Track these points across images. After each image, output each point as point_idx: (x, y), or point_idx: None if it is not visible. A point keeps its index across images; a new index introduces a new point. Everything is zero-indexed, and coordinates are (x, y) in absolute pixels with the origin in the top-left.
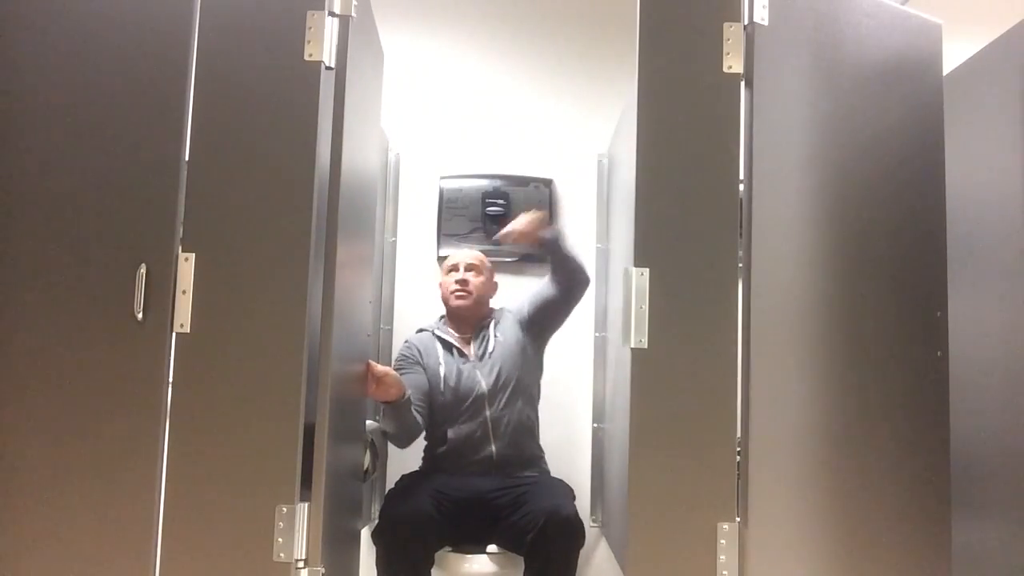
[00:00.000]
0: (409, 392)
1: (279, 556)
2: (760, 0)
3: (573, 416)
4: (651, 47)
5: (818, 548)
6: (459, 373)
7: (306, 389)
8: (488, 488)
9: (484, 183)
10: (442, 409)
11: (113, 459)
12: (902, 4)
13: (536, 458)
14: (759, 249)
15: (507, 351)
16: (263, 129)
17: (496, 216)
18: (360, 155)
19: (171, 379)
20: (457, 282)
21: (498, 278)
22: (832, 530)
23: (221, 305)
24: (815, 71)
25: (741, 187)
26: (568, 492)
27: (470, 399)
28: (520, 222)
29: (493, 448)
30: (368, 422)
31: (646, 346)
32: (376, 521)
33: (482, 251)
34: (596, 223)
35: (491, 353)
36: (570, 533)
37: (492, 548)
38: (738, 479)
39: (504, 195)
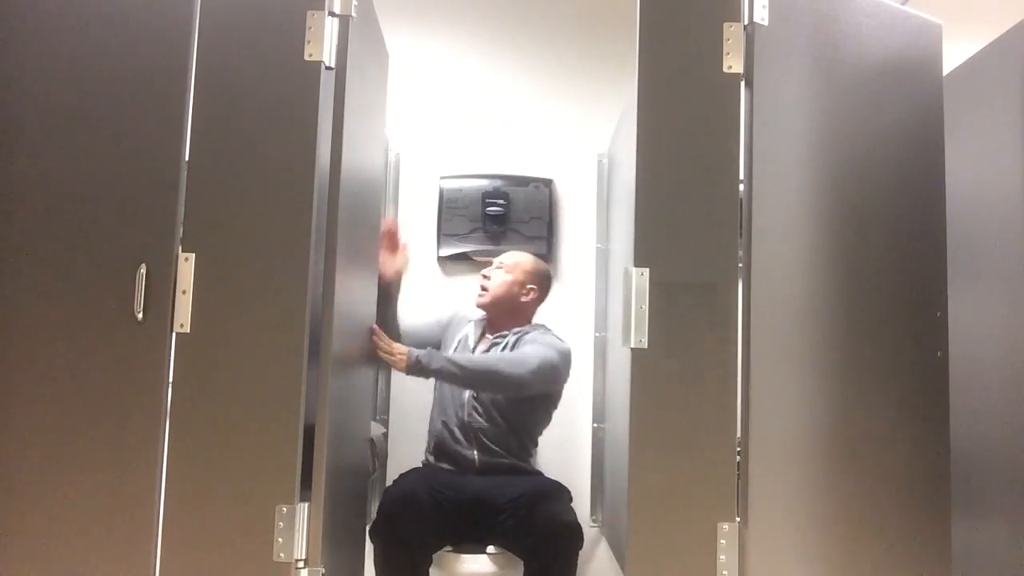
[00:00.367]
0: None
1: (279, 556)
2: (760, 0)
3: (573, 416)
4: (651, 47)
5: (818, 548)
6: (464, 348)
7: (306, 389)
8: (485, 489)
9: (484, 183)
10: (442, 397)
11: (113, 459)
12: (902, 4)
13: (520, 467)
14: (759, 249)
15: None
16: (263, 129)
17: (496, 216)
18: (363, 155)
19: (171, 379)
20: (483, 276)
21: None
22: (832, 530)
23: (221, 305)
24: (815, 71)
25: (741, 187)
26: (566, 495)
27: (456, 402)
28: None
29: (475, 455)
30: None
31: (646, 346)
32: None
33: (481, 251)
34: (596, 223)
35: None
36: (569, 538)
37: (492, 548)
38: (738, 479)
39: (504, 195)
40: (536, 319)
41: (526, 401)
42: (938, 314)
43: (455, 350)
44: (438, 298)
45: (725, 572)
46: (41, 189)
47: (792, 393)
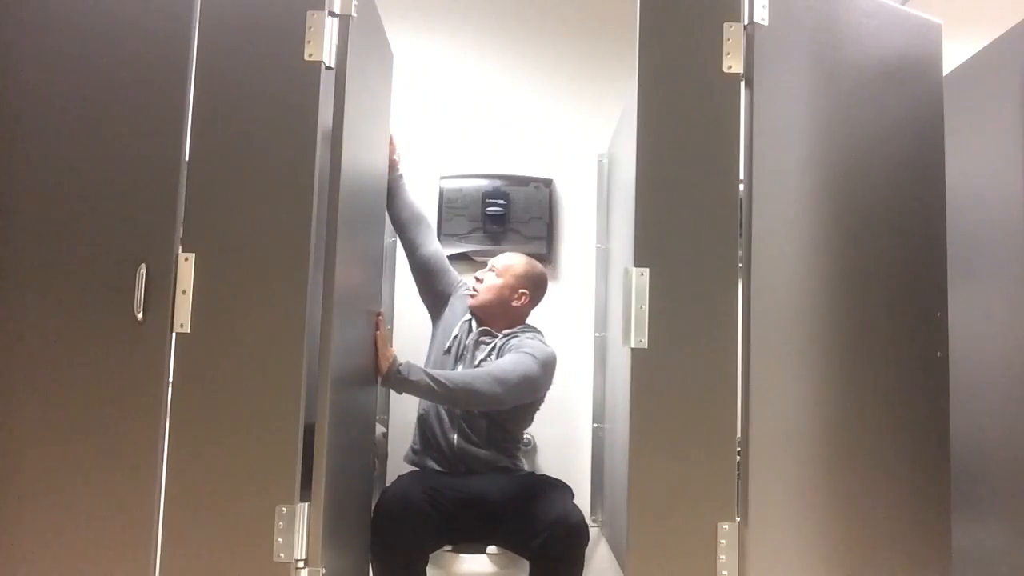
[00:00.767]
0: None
1: (279, 556)
2: (760, 0)
3: (573, 416)
4: (651, 47)
5: (818, 548)
6: (457, 350)
7: (306, 389)
8: (484, 487)
9: (484, 183)
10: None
11: (113, 459)
12: (902, 4)
13: (502, 462)
14: (759, 249)
15: None
16: (263, 129)
17: (496, 216)
18: (365, 154)
19: (171, 379)
20: (476, 278)
21: None
22: (832, 530)
23: (221, 305)
24: (815, 71)
25: (741, 187)
26: (569, 493)
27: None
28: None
29: (454, 437)
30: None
31: (646, 346)
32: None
33: (481, 251)
34: (596, 223)
35: (475, 362)
36: (577, 537)
37: (492, 548)
38: (738, 479)
39: (504, 195)
40: (535, 319)
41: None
42: (938, 314)
43: (456, 334)
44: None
45: (725, 572)
46: (41, 189)
47: (792, 393)
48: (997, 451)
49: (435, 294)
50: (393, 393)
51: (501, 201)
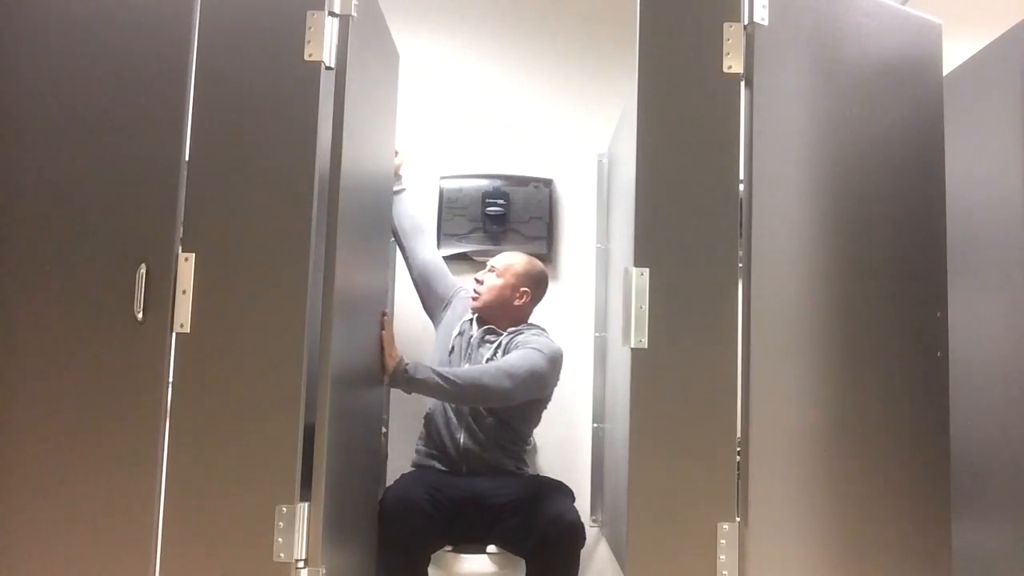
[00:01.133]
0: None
1: (279, 556)
2: (760, 0)
3: (573, 416)
4: (651, 47)
5: (818, 548)
6: (462, 349)
7: (306, 389)
8: (484, 487)
9: (484, 183)
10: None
11: (113, 459)
12: (902, 4)
13: (508, 463)
14: (759, 249)
15: None
16: (263, 129)
17: (496, 216)
18: (367, 154)
19: (171, 379)
20: (476, 280)
21: None
22: (832, 530)
23: (221, 305)
24: (815, 71)
25: (741, 187)
26: (568, 494)
27: None
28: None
29: (461, 437)
30: None
31: (646, 346)
32: None
33: (481, 251)
34: (596, 223)
35: (480, 360)
36: (572, 538)
37: (492, 548)
38: (738, 479)
39: (504, 195)
40: (536, 318)
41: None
42: (938, 314)
43: (457, 334)
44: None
45: (725, 572)
46: (41, 189)
47: (792, 393)
48: (997, 451)
49: (436, 298)
50: (393, 393)
51: (501, 201)
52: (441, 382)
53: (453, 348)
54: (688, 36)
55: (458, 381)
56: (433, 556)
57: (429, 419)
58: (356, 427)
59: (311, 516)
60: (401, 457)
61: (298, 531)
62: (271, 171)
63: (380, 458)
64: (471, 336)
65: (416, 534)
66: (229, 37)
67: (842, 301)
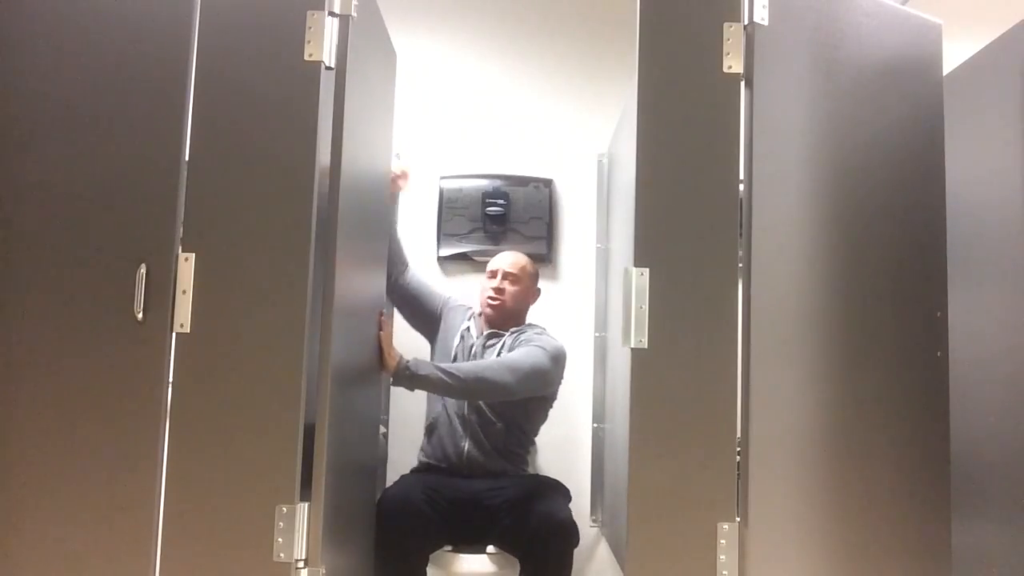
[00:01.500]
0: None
1: (279, 556)
2: (760, 0)
3: (573, 416)
4: (651, 47)
5: (818, 548)
6: (464, 351)
7: (306, 389)
8: (482, 488)
9: (484, 183)
10: None
11: (113, 459)
12: (902, 4)
13: (511, 467)
14: (759, 249)
15: None
16: (263, 129)
17: (496, 216)
18: (366, 155)
19: (171, 379)
20: (494, 289)
21: None
22: (832, 530)
23: (221, 305)
24: (815, 71)
25: (741, 187)
26: (563, 492)
27: None
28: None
29: (466, 444)
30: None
31: (646, 346)
32: None
33: (481, 251)
34: (596, 223)
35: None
36: (564, 536)
37: (491, 548)
38: (738, 479)
39: (504, 195)
40: (536, 318)
41: (519, 402)
42: (938, 314)
43: (459, 342)
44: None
45: (725, 572)
46: (41, 189)
47: (792, 393)
48: (997, 451)
49: (426, 315)
50: (393, 393)
51: (501, 201)
52: (444, 377)
53: (456, 356)
54: (688, 36)
55: (460, 375)
56: (433, 556)
57: (432, 428)
58: (355, 427)
59: (311, 516)
60: (401, 457)
61: (298, 531)
62: (271, 171)
63: (378, 458)
64: (472, 343)
65: (414, 535)
66: (229, 37)
67: (842, 301)
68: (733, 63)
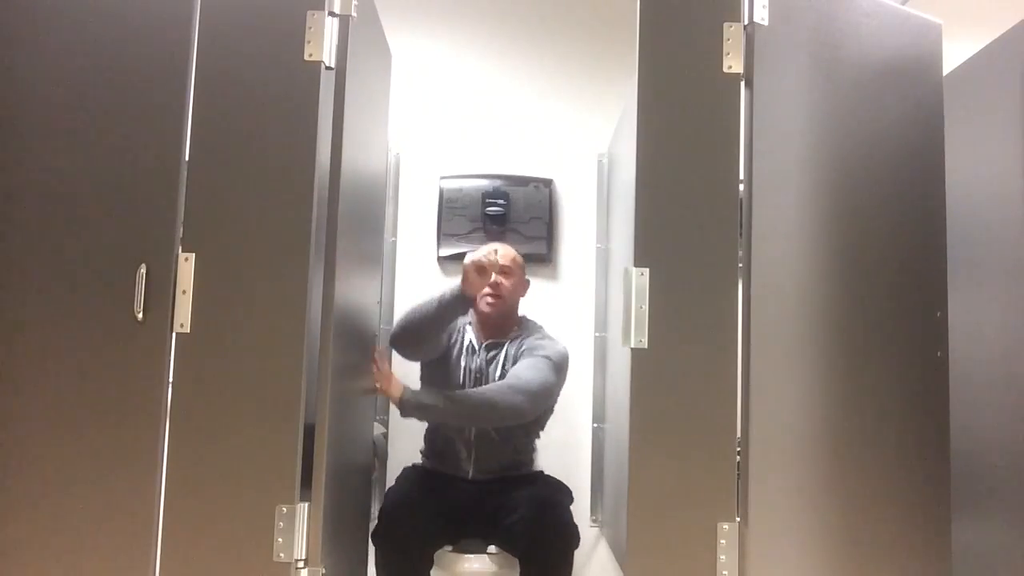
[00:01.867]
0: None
1: (279, 556)
2: (760, 0)
3: (573, 416)
4: (651, 47)
5: (818, 548)
6: (472, 373)
7: (306, 389)
8: (487, 491)
9: (484, 183)
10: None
11: (113, 459)
12: (902, 4)
13: (517, 472)
14: (759, 249)
15: None
16: (263, 129)
17: (496, 216)
18: (364, 155)
19: (171, 379)
20: (490, 286)
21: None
22: (832, 530)
23: (221, 305)
24: (815, 71)
25: (741, 187)
26: (566, 493)
27: None
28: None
29: (471, 467)
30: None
31: (646, 346)
32: (375, 522)
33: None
34: (596, 223)
35: (496, 374)
36: (564, 539)
37: (492, 548)
38: (738, 479)
39: (504, 195)
40: (537, 319)
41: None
42: (938, 314)
43: (462, 356)
44: None
45: (725, 572)
46: (41, 189)
47: (792, 393)
48: (997, 451)
49: (437, 349)
50: None
51: (501, 201)
52: (451, 406)
53: (464, 372)
54: (688, 36)
55: (468, 404)
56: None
57: (431, 439)
58: (351, 426)
59: (311, 516)
60: (401, 457)
61: (298, 531)
62: (271, 171)
63: (372, 458)
64: (472, 363)
65: (418, 538)
66: (229, 37)
67: (842, 301)
68: (733, 63)
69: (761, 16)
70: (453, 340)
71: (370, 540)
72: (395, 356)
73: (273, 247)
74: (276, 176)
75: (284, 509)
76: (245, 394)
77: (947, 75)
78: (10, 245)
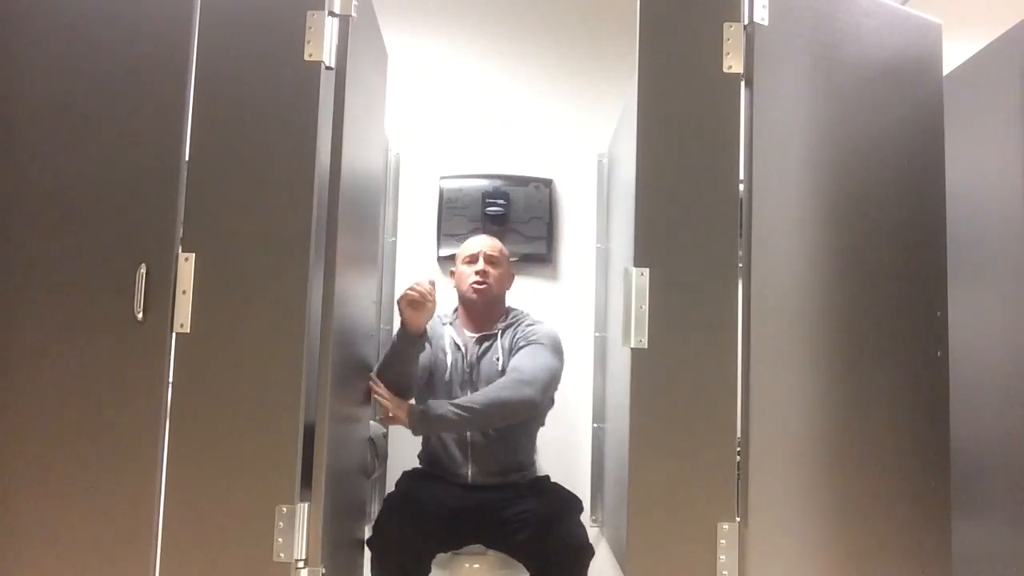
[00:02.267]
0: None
1: (279, 556)
2: (760, 0)
3: (573, 416)
4: (651, 47)
5: (818, 548)
6: (461, 371)
7: (306, 389)
8: (493, 499)
9: (484, 183)
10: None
11: (113, 459)
12: (902, 4)
13: (519, 476)
14: (759, 249)
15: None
16: (263, 129)
17: (496, 216)
18: (362, 155)
19: (171, 379)
20: (477, 273)
21: None
22: (832, 530)
23: (221, 305)
24: (815, 71)
25: (741, 187)
26: (577, 510)
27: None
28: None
29: (469, 470)
30: (369, 422)
31: (646, 346)
32: (372, 522)
33: None
34: (596, 223)
35: (485, 376)
36: (582, 561)
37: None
38: (738, 479)
39: (504, 195)
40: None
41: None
42: (938, 314)
43: (449, 358)
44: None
45: (725, 572)
46: (41, 189)
47: (792, 393)
48: (997, 451)
49: (423, 369)
50: None
51: (501, 201)
52: (463, 413)
53: (451, 372)
54: (688, 36)
55: (478, 407)
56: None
57: (425, 445)
58: (349, 426)
59: (311, 516)
60: (401, 457)
61: (298, 531)
62: (271, 171)
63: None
64: (464, 359)
65: (414, 548)
66: (229, 37)
67: (842, 301)
68: (733, 63)
69: (761, 16)
70: (438, 340)
71: (367, 544)
72: None
73: (273, 247)
74: (276, 176)
75: (284, 509)
76: (245, 394)
77: (947, 75)
78: (10, 245)
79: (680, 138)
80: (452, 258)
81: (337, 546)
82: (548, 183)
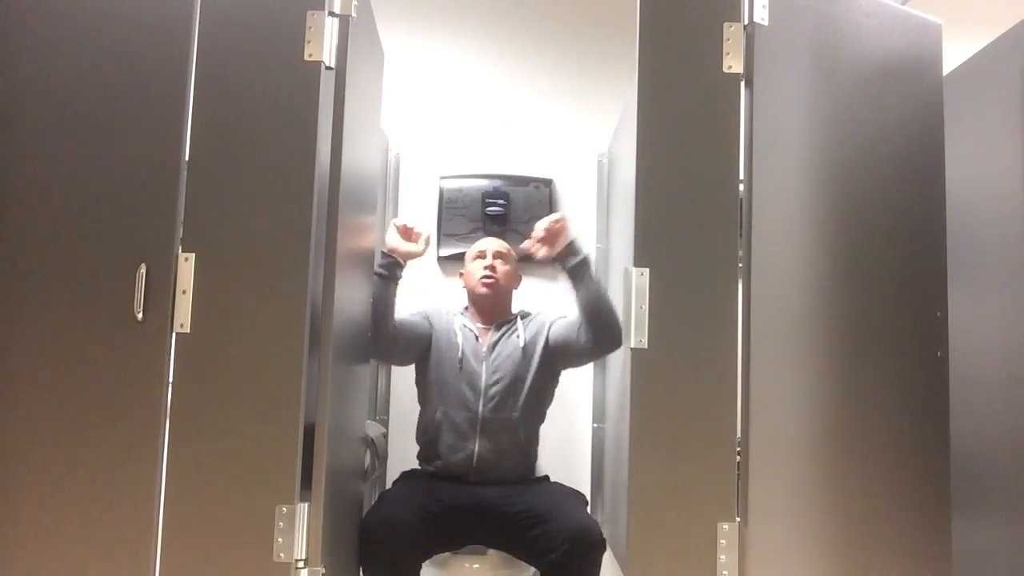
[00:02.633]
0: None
1: (279, 556)
2: (760, 0)
3: (573, 416)
4: (651, 47)
5: (818, 548)
6: (474, 348)
7: (306, 389)
8: (494, 494)
9: (484, 183)
10: (444, 387)
11: (113, 459)
12: (902, 4)
13: (523, 469)
14: (759, 249)
15: (520, 360)
16: (263, 129)
17: (496, 216)
18: (360, 155)
19: (171, 379)
20: (486, 268)
21: None
22: (832, 530)
23: (221, 305)
24: (815, 71)
25: (741, 187)
26: (583, 503)
27: (470, 388)
28: (541, 229)
29: (476, 446)
30: (368, 422)
31: (646, 346)
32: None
33: None
34: (596, 223)
35: (504, 354)
36: (596, 555)
37: (491, 551)
38: (738, 479)
39: (504, 195)
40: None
41: (544, 389)
42: (938, 314)
43: (460, 338)
44: (438, 298)
45: (725, 572)
46: (41, 189)
47: (792, 393)
48: (997, 451)
49: (419, 337)
50: (393, 393)
51: (501, 201)
52: (600, 282)
53: (463, 354)
54: (688, 36)
55: (605, 291)
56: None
57: (427, 434)
58: (347, 426)
59: (311, 516)
60: (401, 457)
61: (298, 531)
62: (271, 171)
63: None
64: (478, 339)
65: (399, 546)
66: (229, 37)
67: (842, 301)
68: (733, 63)
69: (761, 16)
70: (449, 326)
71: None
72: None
73: (273, 247)
74: (276, 176)
75: (284, 509)
76: (245, 394)
77: (947, 75)
78: (10, 245)
79: (680, 138)
80: (452, 258)
81: (337, 546)
82: (548, 183)
